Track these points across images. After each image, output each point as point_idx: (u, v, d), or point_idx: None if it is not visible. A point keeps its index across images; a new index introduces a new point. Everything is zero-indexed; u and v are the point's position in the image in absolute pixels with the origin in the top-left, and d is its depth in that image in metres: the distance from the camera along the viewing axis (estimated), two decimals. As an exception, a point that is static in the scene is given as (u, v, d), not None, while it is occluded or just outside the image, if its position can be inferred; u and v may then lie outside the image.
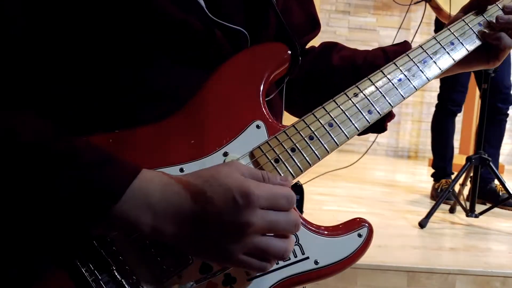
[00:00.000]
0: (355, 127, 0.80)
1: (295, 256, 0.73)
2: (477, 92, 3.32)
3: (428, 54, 0.87)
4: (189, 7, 0.75)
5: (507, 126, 3.26)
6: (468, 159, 2.61)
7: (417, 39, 6.16)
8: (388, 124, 0.98)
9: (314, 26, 1.00)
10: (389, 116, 0.93)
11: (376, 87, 0.82)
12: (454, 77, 2.57)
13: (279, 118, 0.88)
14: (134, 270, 0.66)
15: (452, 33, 0.89)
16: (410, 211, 2.78)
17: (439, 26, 3.21)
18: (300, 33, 0.93)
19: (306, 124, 0.77)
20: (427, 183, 3.45)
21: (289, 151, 0.75)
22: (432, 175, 3.37)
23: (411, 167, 5.40)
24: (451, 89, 3.22)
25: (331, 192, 3.23)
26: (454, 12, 2.84)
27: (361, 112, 0.80)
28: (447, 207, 2.82)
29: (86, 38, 0.71)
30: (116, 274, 0.65)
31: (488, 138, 2.71)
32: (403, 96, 0.84)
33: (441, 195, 2.59)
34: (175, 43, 0.75)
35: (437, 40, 0.88)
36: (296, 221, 0.66)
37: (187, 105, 0.74)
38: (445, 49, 0.88)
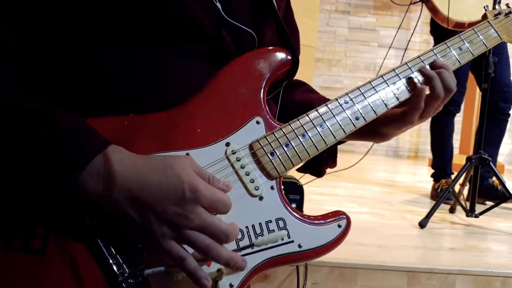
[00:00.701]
0: (343, 130, 0.89)
1: (282, 239, 0.81)
2: (478, 92, 3.31)
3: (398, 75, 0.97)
4: (206, 8, 0.85)
5: (507, 126, 3.25)
6: (468, 159, 2.61)
7: (416, 39, 6.15)
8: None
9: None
10: (329, 162, 1.06)
11: (364, 97, 0.92)
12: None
13: (274, 117, 0.94)
14: (129, 250, 0.73)
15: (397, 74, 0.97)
16: (410, 211, 2.78)
17: (435, 27, 3.21)
18: None
19: (301, 124, 0.87)
20: (427, 183, 3.45)
21: (284, 147, 0.85)
22: (432, 175, 3.37)
23: (411, 167, 5.40)
24: None
25: (331, 192, 3.23)
26: (451, 14, 2.84)
27: (349, 118, 0.90)
28: (447, 207, 2.82)
29: (103, 26, 0.80)
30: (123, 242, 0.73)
31: (488, 138, 2.71)
32: (387, 107, 0.93)
33: (441, 195, 2.59)
34: (187, 38, 0.84)
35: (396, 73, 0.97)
36: (227, 231, 0.72)
37: (196, 96, 0.83)
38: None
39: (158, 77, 0.83)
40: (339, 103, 0.91)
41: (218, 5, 0.87)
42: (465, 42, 1.01)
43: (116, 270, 0.71)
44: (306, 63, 4.11)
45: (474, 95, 4.56)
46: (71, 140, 0.69)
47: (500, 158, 6.04)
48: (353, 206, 2.87)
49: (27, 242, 0.72)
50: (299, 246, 0.82)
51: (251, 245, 0.79)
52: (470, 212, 2.55)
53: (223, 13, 0.87)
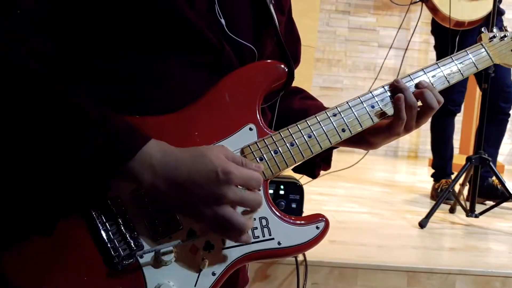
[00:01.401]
0: (329, 140, 0.97)
1: (263, 236, 0.90)
2: (478, 92, 3.31)
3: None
4: (211, 23, 0.93)
5: (507, 126, 3.25)
6: (468, 159, 2.61)
7: (416, 39, 6.15)
8: None
9: (294, 61, 1.14)
10: (322, 165, 1.11)
11: (353, 111, 0.99)
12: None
13: (269, 124, 1.02)
14: (136, 227, 0.84)
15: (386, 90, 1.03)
16: (410, 211, 2.78)
17: (435, 26, 3.21)
18: None
19: (290, 133, 0.94)
20: (427, 183, 3.45)
21: (272, 153, 0.92)
22: (432, 175, 3.37)
23: (411, 167, 5.41)
24: (450, 89, 3.20)
25: (331, 192, 3.23)
26: (452, 13, 2.84)
27: (336, 130, 0.97)
28: (447, 207, 2.82)
29: (114, 33, 0.88)
30: (122, 228, 0.84)
31: (488, 138, 2.71)
32: (373, 121, 1.00)
33: (441, 195, 2.59)
34: (192, 50, 0.91)
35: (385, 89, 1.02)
36: (260, 201, 0.84)
37: (196, 102, 0.91)
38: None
39: (162, 83, 0.90)
40: (327, 115, 0.97)
41: (223, 21, 0.94)
42: (456, 63, 1.07)
43: (112, 253, 0.82)
44: (306, 63, 4.11)
45: (474, 95, 4.56)
46: (121, 135, 0.80)
47: (500, 158, 6.04)
48: (353, 206, 2.87)
49: (37, 222, 0.81)
50: (279, 243, 0.91)
51: None
52: (470, 212, 2.55)
53: (226, 29, 0.94)
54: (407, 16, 3.12)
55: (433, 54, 3.48)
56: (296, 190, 1.70)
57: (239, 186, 0.81)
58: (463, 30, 2.98)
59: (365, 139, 1.06)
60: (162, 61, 0.90)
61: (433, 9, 3.02)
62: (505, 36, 1.12)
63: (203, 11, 0.92)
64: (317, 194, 3.01)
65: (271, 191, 1.68)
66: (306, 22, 3.74)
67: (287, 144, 0.93)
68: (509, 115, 3.22)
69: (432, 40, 3.43)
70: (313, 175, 1.14)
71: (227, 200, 0.80)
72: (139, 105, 0.88)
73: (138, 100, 0.89)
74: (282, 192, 1.69)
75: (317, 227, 0.93)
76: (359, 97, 1.00)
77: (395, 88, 1.01)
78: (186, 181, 0.79)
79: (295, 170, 1.13)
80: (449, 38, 2.85)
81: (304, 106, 1.13)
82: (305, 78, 4.17)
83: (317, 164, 1.12)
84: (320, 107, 1.13)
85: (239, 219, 0.81)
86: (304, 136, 0.94)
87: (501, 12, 3.09)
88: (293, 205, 1.68)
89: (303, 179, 1.86)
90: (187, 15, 0.89)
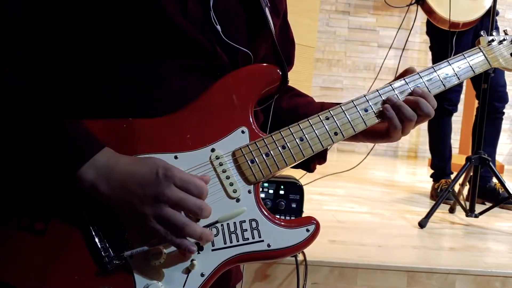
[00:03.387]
0: (321, 144, 0.96)
1: (253, 238, 0.90)
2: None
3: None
4: (206, 29, 0.93)
5: (507, 126, 3.26)
6: (468, 159, 2.61)
7: (416, 39, 6.14)
8: None
9: (288, 63, 1.14)
10: (320, 158, 1.10)
11: (345, 114, 0.98)
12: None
13: (261, 126, 1.02)
14: (126, 228, 0.85)
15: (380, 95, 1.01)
16: (410, 211, 2.78)
17: (431, 28, 3.22)
18: None
19: (282, 136, 0.94)
20: (427, 183, 3.45)
21: (264, 156, 0.93)
22: (432, 176, 3.37)
23: (411, 167, 5.40)
24: (447, 89, 3.21)
25: (331, 192, 3.23)
26: (447, 14, 2.85)
27: (329, 133, 0.96)
28: (447, 207, 2.82)
29: (103, 40, 0.89)
30: (112, 229, 0.85)
31: (484, 137, 2.72)
32: (366, 125, 0.99)
33: (441, 195, 2.59)
34: (186, 55, 0.92)
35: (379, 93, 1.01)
36: (201, 205, 0.83)
37: (189, 105, 0.92)
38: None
39: (155, 87, 0.90)
40: (320, 118, 0.97)
41: (218, 27, 0.94)
42: (452, 66, 1.06)
43: (102, 253, 0.84)
44: (306, 63, 4.11)
45: (474, 95, 4.55)
46: (76, 142, 0.82)
47: (500, 158, 6.05)
48: (353, 206, 2.87)
49: (31, 222, 0.83)
50: (268, 245, 0.91)
51: (216, 222, 0.88)
52: (470, 212, 2.55)
53: (222, 35, 0.95)
54: (407, 16, 3.12)
55: (433, 54, 3.49)
56: (296, 190, 1.70)
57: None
58: (458, 31, 2.99)
59: (359, 139, 1.06)
60: (154, 65, 0.91)
61: (429, 11, 3.02)
62: (504, 39, 1.11)
63: (198, 18, 0.93)
64: (317, 194, 3.01)
65: (271, 191, 1.69)
66: (306, 22, 3.74)
67: (279, 147, 0.93)
68: (503, 113, 3.23)
69: (430, 40, 3.43)
70: (309, 169, 1.14)
71: (165, 198, 0.81)
72: (132, 107, 0.89)
73: (131, 103, 0.90)
74: (282, 192, 1.69)
75: (307, 230, 0.93)
76: (352, 101, 0.99)
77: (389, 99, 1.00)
78: (125, 181, 0.81)
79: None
80: (448, 39, 2.85)
81: (293, 104, 1.13)
82: (305, 78, 4.17)
83: (311, 158, 1.10)
84: (310, 103, 1.14)
85: (180, 218, 0.82)
86: (296, 139, 0.94)
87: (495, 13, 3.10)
88: (293, 205, 1.68)
89: (303, 179, 1.86)
90: (181, 21, 0.90)
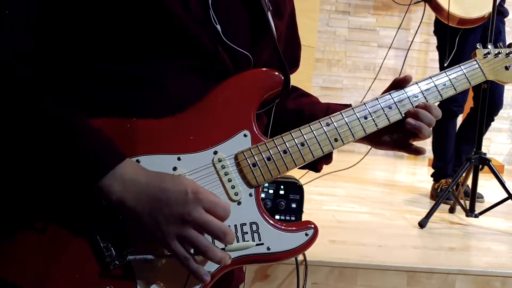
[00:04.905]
0: (322, 150, 0.98)
1: (253, 241, 0.92)
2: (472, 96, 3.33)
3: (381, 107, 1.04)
4: (206, 29, 0.93)
5: (507, 126, 3.25)
6: (468, 159, 2.61)
7: (416, 39, 6.15)
8: None
9: (294, 65, 1.18)
10: (326, 158, 1.10)
11: (346, 121, 1.00)
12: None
13: (265, 129, 1.04)
14: (129, 228, 0.85)
15: (392, 98, 1.05)
16: (410, 211, 2.78)
17: (439, 26, 3.21)
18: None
19: (284, 140, 0.95)
20: (427, 183, 3.45)
21: (265, 160, 0.94)
22: (432, 175, 3.37)
23: (411, 167, 5.40)
24: None
25: (331, 192, 3.23)
26: (455, 10, 2.83)
27: (329, 139, 0.98)
28: (447, 207, 2.82)
29: (105, 40, 0.89)
30: (115, 229, 0.85)
31: (473, 137, 2.73)
32: (365, 132, 1.01)
33: (441, 195, 2.59)
34: (186, 54, 0.92)
35: (378, 101, 1.03)
36: (226, 230, 0.83)
37: (193, 107, 0.92)
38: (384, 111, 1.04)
39: (156, 87, 0.91)
40: (321, 124, 0.98)
41: (218, 27, 0.94)
42: (449, 78, 1.08)
43: (105, 252, 0.84)
44: (306, 63, 4.12)
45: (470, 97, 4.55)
46: (97, 152, 0.81)
47: (500, 158, 6.04)
48: (353, 206, 2.87)
49: (32, 221, 0.83)
50: (268, 248, 0.92)
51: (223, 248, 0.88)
52: (470, 212, 2.55)
53: (222, 35, 0.95)
54: (407, 16, 3.12)
55: (433, 55, 3.50)
56: (296, 190, 1.69)
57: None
58: (464, 29, 2.98)
59: (367, 143, 1.08)
60: (155, 65, 0.91)
61: (437, 8, 3.00)
62: (499, 53, 1.13)
63: (199, 17, 0.93)
64: (317, 194, 3.01)
65: (271, 191, 1.69)
66: (306, 22, 3.74)
67: (280, 152, 0.95)
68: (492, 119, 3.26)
69: (432, 40, 3.43)
70: (316, 169, 1.15)
71: (191, 218, 0.80)
72: (131, 107, 0.89)
73: (131, 102, 0.90)
74: (282, 192, 1.68)
75: (306, 234, 0.94)
76: (352, 108, 1.01)
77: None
78: (154, 196, 0.81)
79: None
80: (456, 38, 2.84)
81: (298, 105, 1.14)
82: (305, 78, 4.17)
83: (318, 159, 1.12)
84: (315, 103, 1.14)
85: (203, 241, 0.82)
86: (298, 144, 0.96)
87: (503, 13, 3.09)
88: (293, 205, 1.68)
89: (303, 179, 1.86)
90: (183, 20, 0.90)
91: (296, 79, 1.06)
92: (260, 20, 1.00)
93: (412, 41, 3.03)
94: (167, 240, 0.81)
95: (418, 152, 1.07)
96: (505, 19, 3.16)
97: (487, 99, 2.65)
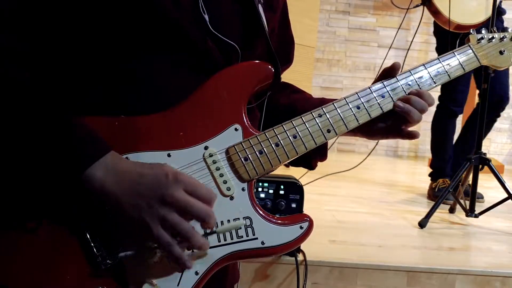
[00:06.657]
0: (314, 141, 0.96)
1: (247, 235, 0.91)
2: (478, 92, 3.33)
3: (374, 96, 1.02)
4: (194, 19, 0.91)
5: (507, 126, 3.25)
6: (468, 159, 2.61)
7: (416, 39, 6.15)
8: None
9: (286, 61, 1.17)
10: (321, 155, 1.10)
11: (338, 112, 0.98)
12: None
13: (258, 124, 1.03)
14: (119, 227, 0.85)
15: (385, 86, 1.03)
16: (410, 211, 2.78)
17: (437, 29, 3.21)
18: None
19: (275, 133, 0.94)
20: (427, 183, 3.45)
21: (257, 153, 0.92)
22: (430, 175, 3.37)
23: (411, 167, 5.41)
24: (452, 90, 3.21)
25: (331, 192, 3.23)
26: (453, 16, 2.84)
27: (321, 130, 0.96)
28: (447, 207, 2.82)
29: (93, 36, 0.88)
30: (105, 227, 0.84)
31: (473, 137, 2.73)
32: (358, 122, 0.99)
33: (441, 194, 2.60)
34: (173, 47, 0.91)
35: (371, 91, 1.02)
36: (209, 212, 0.83)
37: (182, 102, 0.91)
38: (376, 100, 1.02)
39: (145, 82, 0.90)
40: (313, 116, 0.97)
41: (206, 16, 0.93)
42: (443, 64, 1.07)
43: (95, 252, 0.83)
44: (306, 63, 4.11)
45: (474, 96, 4.56)
46: (85, 143, 0.82)
47: (500, 158, 6.04)
48: (353, 206, 2.87)
49: (23, 221, 0.83)
50: (262, 243, 0.91)
51: (214, 232, 0.89)
52: (470, 212, 2.55)
53: (209, 25, 0.93)
54: (406, 16, 3.12)
55: (433, 55, 3.49)
56: (296, 190, 1.69)
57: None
58: (464, 33, 2.98)
59: (357, 135, 1.07)
60: (145, 60, 0.90)
61: (435, 12, 3.01)
62: (493, 37, 1.12)
63: (187, 7, 0.91)
64: (317, 194, 3.01)
65: (271, 191, 1.68)
66: (306, 22, 3.74)
67: (272, 145, 0.93)
68: (499, 115, 3.24)
69: (432, 40, 3.43)
70: (310, 166, 1.14)
71: (174, 199, 0.80)
72: (121, 104, 0.89)
73: (120, 99, 0.89)
74: (282, 192, 1.69)
75: (301, 227, 0.93)
76: (344, 98, 0.99)
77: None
78: (135, 182, 0.81)
79: (291, 163, 1.12)
80: (456, 41, 2.84)
81: (291, 100, 1.12)
82: (305, 78, 4.17)
83: (312, 155, 1.11)
84: (308, 99, 1.13)
85: (186, 226, 0.81)
86: (290, 136, 0.94)
87: (501, 12, 3.09)
88: (293, 205, 1.68)
89: (303, 179, 1.86)
90: (171, 13, 0.88)
91: (296, 79, 1.06)
92: (251, 12, 0.98)
93: (412, 41, 3.04)
94: (150, 225, 0.80)
95: (411, 136, 1.04)
96: (504, 18, 3.16)
97: (487, 98, 2.65)
